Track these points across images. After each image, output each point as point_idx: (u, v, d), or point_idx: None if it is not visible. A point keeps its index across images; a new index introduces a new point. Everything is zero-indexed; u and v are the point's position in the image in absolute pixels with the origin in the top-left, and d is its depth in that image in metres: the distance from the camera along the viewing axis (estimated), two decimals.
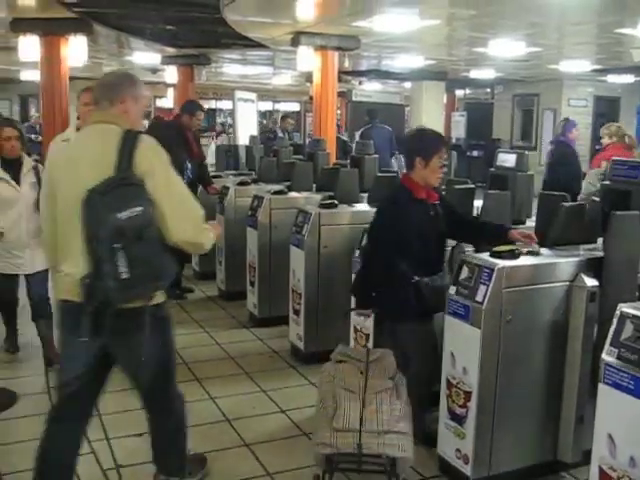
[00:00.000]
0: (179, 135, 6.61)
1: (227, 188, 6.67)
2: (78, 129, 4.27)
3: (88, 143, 2.87)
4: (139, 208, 2.60)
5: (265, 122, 12.75)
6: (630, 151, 6.92)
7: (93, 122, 2.93)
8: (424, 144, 3.75)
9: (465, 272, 3.36)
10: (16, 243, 4.69)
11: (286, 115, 13.81)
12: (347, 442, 3.01)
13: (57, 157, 3.29)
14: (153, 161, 2.74)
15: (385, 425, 3.04)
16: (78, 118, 8.08)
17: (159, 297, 2.83)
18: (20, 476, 3.50)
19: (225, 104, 21.35)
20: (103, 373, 2.98)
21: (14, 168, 4.71)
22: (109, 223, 2.54)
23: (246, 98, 13.26)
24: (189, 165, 6.57)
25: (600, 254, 3.41)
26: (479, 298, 3.22)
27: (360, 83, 17.62)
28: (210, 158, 9.74)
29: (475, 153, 17.20)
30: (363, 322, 4.21)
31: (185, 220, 2.78)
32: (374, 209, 4.98)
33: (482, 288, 3.22)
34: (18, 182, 4.69)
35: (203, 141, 9.87)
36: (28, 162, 4.80)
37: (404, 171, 3.99)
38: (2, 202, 4.63)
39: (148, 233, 2.63)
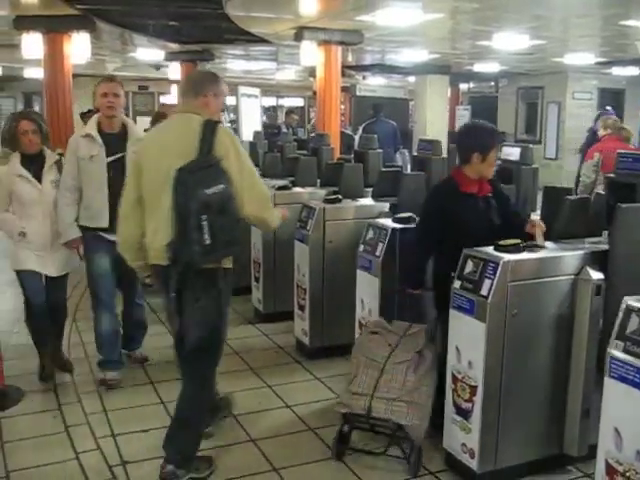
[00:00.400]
0: None
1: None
2: (100, 123, 4.34)
3: (174, 129, 3.35)
4: (221, 186, 3.02)
5: (264, 119, 12.64)
6: (626, 143, 7.00)
7: (179, 111, 3.44)
8: (482, 140, 3.72)
9: (470, 266, 3.34)
10: (40, 244, 4.43)
11: (290, 110, 13.80)
12: (359, 404, 3.49)
13: (145, 141, 3.72)
14: (229, 147, 3.17)
15: (396, 393, 3.43)
16: (88, 112, 8.02)
17: (228, 263, 3.26)
18: (27, 473, 3.52)
19: (229, 100, 21.30)
20: None
21: (35, 164, 4.39)
22: (198, 197, 2.96)
23: (250, 94, 13.23)
24: None
25: (605, 247, 3.40)
26: (484, 292, 3.21)
27: (364, 78, 17.59)
28: None
29: None
30: (369, 316, 4.21)
31: (253, 198, 3.21)
32: (378, 204, 5.03)
33: (487, 282, 3.21)
34: (39, 180, 4.38)
35: None
36: (51, 157, 4.48)
37: (409, 166, 3.99)
38: (23, 201, 4.37)
39: (228, 207, 3.05)
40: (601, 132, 7.45)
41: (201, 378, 3.41)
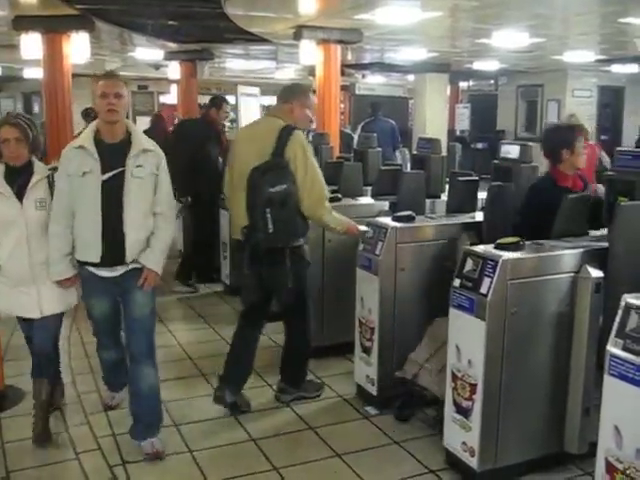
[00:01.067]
0: (211, 131, 6.74)
1: None
2: (98, 131, 3.53)
3: (261, 128, 4.02)
4: (284, 186, 3.69)
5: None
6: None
7: (267, 114, 4.29)
8: (563, 136, 4.05)
9: (469, 264, 3.35)
10: (18, 277, 3.65)
11: None
12: (411, 371, 3.99)
13: (240, 131, 4.49)
14: (297, 152, 3.77)
15: (442, 368, 3.65)
16: (88, 114, 7.81)
17: (297, 242, 3.91)
18: (27, 473, 3.52)
19: (228, 99, 21.31)
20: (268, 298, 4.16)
21: (21, 178, 3.64)
22: (264, 194, 3.66)
23: (249, 93, 13.23)
24: (221, 160, 6.52)
25: (605, 245, 3.39)
26: (484, 290, 3.21)
27: (363, 76, 17.55)
28: None
29: (479, 145, 17.14)
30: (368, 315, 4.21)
31: (311, 197, 3.82)
32: (378, 202, 5.02)
33: (487, 280, 3.22)
34: (22, 198, 3.61)
35: None
36: (40, 171, 3.69)
37: (409, 164, 4.08)
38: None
39: (288, 203, 3.71)
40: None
41: (299, 325, 4.24)
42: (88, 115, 8.02)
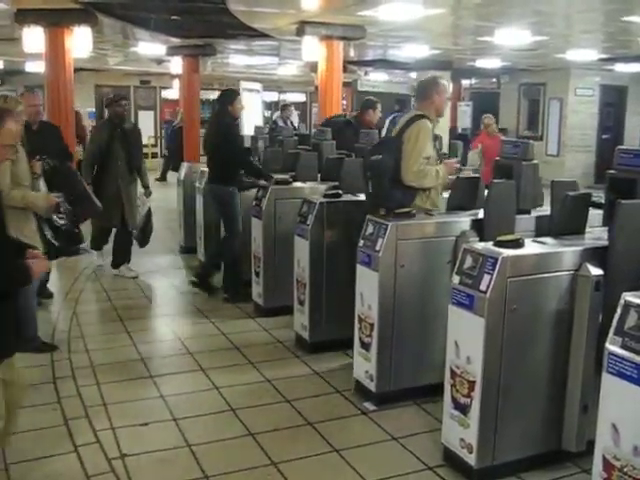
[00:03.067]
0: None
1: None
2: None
3: (405, 116, 4.69)
4: (379, 156, 4.35)
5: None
6: (490, 137, 10.18)
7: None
8: None
9: (469, 261, 3.34)
10: None
11: (286, 105, 13.75)
12: None
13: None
14: (411, 135, 4.35)
15: None
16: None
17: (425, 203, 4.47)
18: (26, 465, 3.52)
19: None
20: None
21: None
22: (367, 162, 4.48)
23: (251, 88, 13.22)
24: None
25: (605, 243, 3.40)
26: (483, 287, 3.21)
27: (366, 73, 17.56)
28: None
29: None
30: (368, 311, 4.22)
31: (406, 169, 4.33)
32: None
33: (486, 277, 3.21)
34: None
35: None
36: None
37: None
38: None
39: (381, 171, 4.33)
40: (482, 128, 10.65)
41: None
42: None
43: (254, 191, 6.04)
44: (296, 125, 12.99)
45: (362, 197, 5.22)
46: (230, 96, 6.44)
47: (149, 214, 7.12)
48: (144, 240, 7.20)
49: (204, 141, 7.29)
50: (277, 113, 14.59)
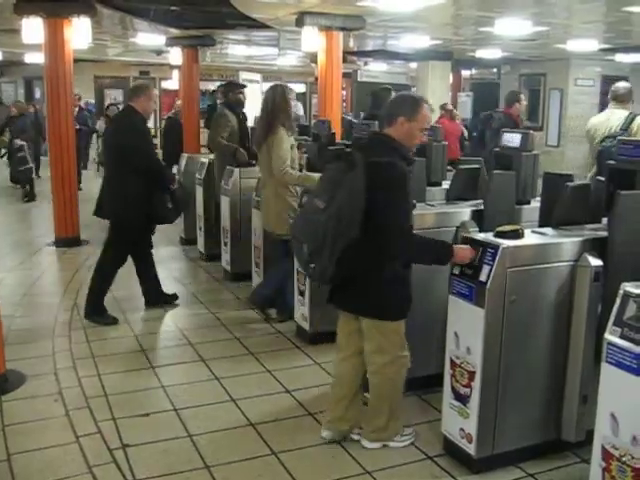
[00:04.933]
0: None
1: (231, 170, 6.66)
2: None
3: None
4: None
5: None
6: (452, 120, 11.26)
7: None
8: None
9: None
10: None
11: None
12: None
13: None
14: None
15: None
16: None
17: None
18: (28, 456, 3.54)
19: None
20: None
21: None
22: None
23: (251, 79, 13.20)
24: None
25: (604, 234, 3.40)
26: (483, 278, 3.21)
27: (366, 64, 17.51)
28: None
29: None
30: None
31: None
32: None
33: (486, 268, 3.22)
34: None
35: None
36: None
37: None
38: None
39: None
40: (437, 113, 11.36)
41: None
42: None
43: None
44: (301, 114, 12.97)
45: None
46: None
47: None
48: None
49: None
50: None
